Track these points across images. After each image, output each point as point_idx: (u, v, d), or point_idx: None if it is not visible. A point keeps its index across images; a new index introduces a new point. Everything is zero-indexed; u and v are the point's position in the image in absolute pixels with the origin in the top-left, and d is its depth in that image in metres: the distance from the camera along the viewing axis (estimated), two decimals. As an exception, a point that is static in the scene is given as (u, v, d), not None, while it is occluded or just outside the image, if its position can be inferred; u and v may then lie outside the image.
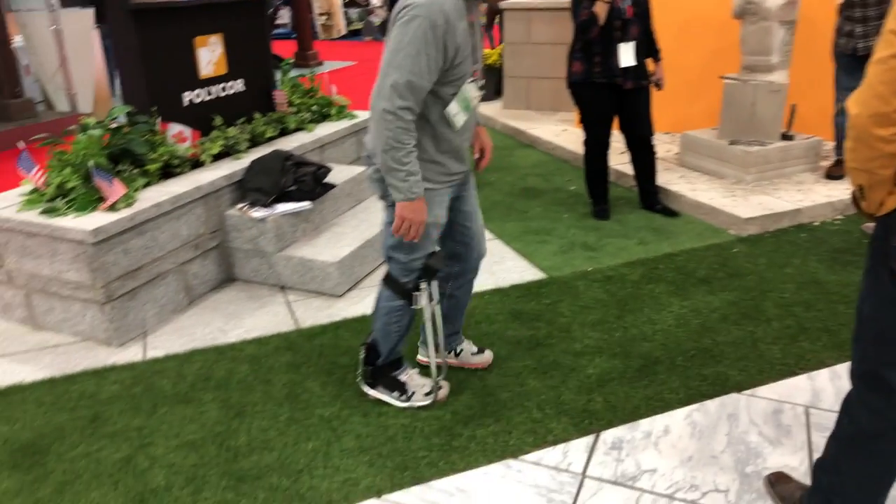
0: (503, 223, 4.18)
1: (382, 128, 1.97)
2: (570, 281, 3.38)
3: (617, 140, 4.22)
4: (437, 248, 2.32)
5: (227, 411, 2.50)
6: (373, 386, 2.51)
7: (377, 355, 2.46)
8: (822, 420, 2.32)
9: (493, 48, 7.96)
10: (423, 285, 2.30)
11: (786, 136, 4.46)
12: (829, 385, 2.50)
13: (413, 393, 2.46)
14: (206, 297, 3.40)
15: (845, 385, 2.49)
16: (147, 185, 3.23)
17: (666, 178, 4.49)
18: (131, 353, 2.91)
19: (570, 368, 2.65)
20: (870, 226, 3.80)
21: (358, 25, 15.49)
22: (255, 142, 3.91)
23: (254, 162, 3.56)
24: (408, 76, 1.94)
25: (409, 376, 2.51)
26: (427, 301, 2.33)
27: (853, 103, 1.45)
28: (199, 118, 3.70)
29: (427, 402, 2.46)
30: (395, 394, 2.47)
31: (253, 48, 4.04)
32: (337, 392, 2.58)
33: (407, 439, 2.32)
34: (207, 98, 3.76)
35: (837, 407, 2.36)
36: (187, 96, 3.64)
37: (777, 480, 2.01)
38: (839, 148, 4.40)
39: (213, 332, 3.06)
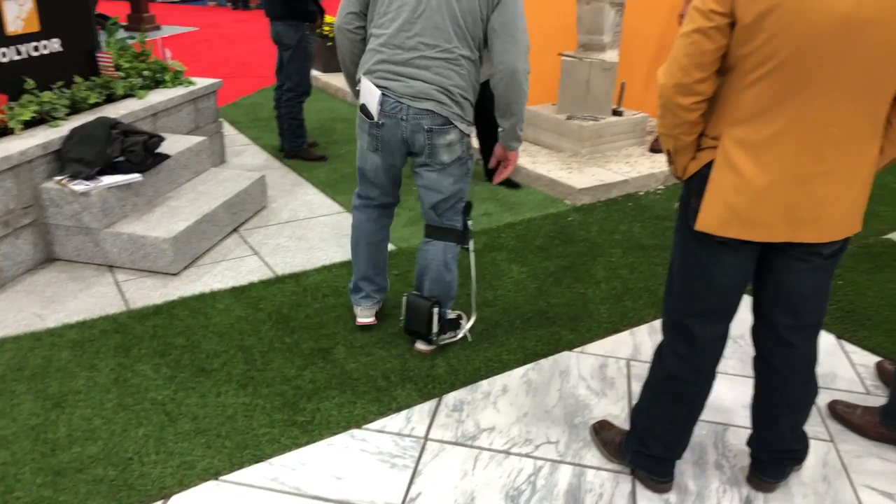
0: (351, 196, 4.13)
1: (523, 87, 2.24)
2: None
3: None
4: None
5: (43, 402, 2.29)
6: (442, 332, 2.59)
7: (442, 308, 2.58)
8: (641, 371, 2.54)
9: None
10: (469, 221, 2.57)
11: (616, 112, 4.77)
12: (648, 339, 2.74)
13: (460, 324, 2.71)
14: (20, 279, 3.08)
15: (661, 338, 2.75)
16: (-60, 154, 2.85)
17: (510, 150, 4.65)
18: (-74, 345, 2.58)
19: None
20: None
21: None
22: (76, 108, 3.57)
23: (74, 130, 3.25)
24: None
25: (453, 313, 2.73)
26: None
27: (661, 73, 1.57)
28: (7, 80, 3.31)
29: (469, 326, 2.73)
30: (451, 333, 2.64)
31: (71, 4, 3.66)
32: (172, 374, 2.45)
33: (248, 417, 2.25)
34: (16, 58, 3.37)
35: (653, 358, 2.61)
36: (-11, 55, 3.23)
37: (601, 428, 2.18)
38: None
39: (28, 318, 2.78)
